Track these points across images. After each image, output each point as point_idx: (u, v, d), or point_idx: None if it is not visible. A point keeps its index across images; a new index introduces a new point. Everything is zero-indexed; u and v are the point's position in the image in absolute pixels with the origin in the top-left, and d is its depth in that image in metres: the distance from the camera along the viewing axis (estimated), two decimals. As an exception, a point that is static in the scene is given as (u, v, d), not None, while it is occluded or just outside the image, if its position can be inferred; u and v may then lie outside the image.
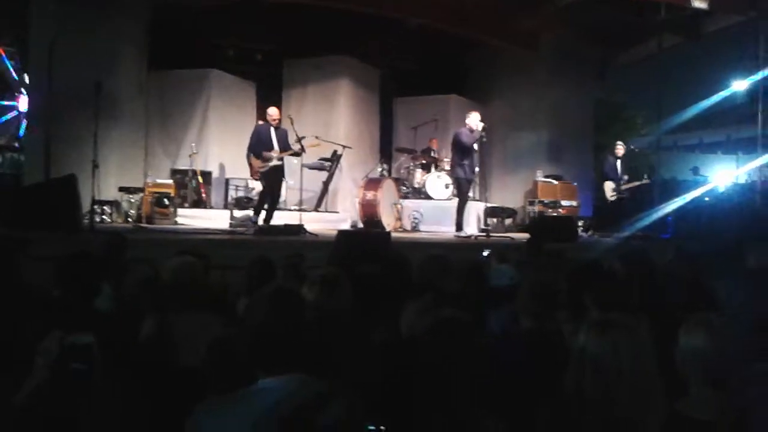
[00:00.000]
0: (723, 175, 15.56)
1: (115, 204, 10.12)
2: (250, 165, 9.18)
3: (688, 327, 2.17)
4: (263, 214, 9.13)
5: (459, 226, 9.70)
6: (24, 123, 16.56)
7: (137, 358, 2.72)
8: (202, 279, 3.33)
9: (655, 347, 1.96)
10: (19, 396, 1.86)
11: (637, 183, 11.55)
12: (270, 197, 9.22)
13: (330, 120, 12.46)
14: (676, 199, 11.81)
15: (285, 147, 9.23)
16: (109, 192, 9.86)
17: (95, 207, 8.53)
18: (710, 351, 2.10)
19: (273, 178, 9.21)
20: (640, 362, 1.83)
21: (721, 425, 2.02)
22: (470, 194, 10.23)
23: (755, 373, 2.25)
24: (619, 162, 11.47)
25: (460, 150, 9.62)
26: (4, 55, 17.42)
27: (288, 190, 11.13)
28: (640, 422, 1.78)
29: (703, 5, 10.55)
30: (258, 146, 9.12)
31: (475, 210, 10.81)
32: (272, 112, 9.36)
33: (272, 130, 9.19)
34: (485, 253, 5.79)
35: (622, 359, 1.81)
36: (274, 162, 9.10)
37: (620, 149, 11.53)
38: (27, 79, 13.58)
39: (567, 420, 1.87)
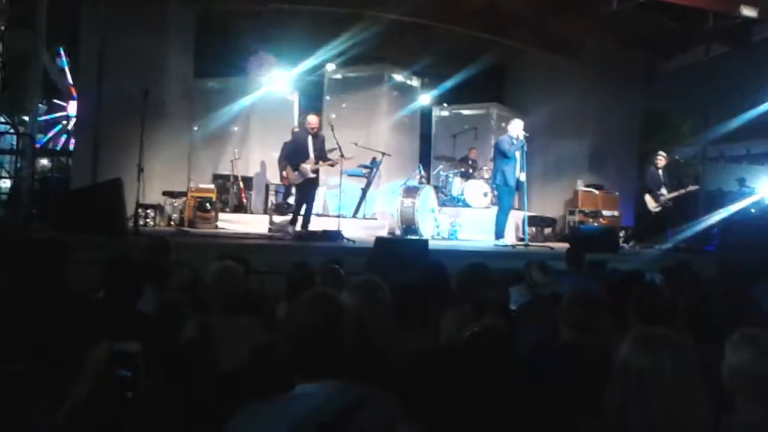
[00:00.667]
0: (765, 186, 15.12)
1: (158, 208, 10.33)
2: (283, 173, 9.20)
3: (735, 342, 2.12)
4: (300, 220, 9.16)
5: (499, 235, 9.62)
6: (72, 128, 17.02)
7: (179, 361, 2.76)
8: (241, 283, 3.37)
9: (700, 362, 1.92)
10: (63, 409, 1.90)
11: (683, 191, 11.25)
12: (306, 205, 9.18)
13: (370, 127, 12.51)
14: (720, 211, 11.54)
15: (321, 156, 9.13)
16: (154, 196, 10.08)
17: (140, 210, 8.71)
18: (757, 367, 2.05)
19: (308, 188, 9.16)
20: (685, 378, 1.79)
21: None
22: (513, 202, 10.12)
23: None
24: (661, 172, 11.24)
25: (502, 158, 9.55)
26: (65, 58, 17.88)
27: (327, 196, 11.23)
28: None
29: (753, 14, 10.30)
30: (294, 155, 9.11)
31: (513, 219, 10.71)
32: (311, 120, 9.22)
33: (309, 138, 9.11)
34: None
35: (667, 374, 1.77)
36: (310, 175, 9.05)
37: (662, 160, 11.28)
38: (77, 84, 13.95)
39: (608, 434, 1.84)
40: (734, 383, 2.07)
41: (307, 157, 9.05)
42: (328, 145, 9.42)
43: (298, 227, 9.03)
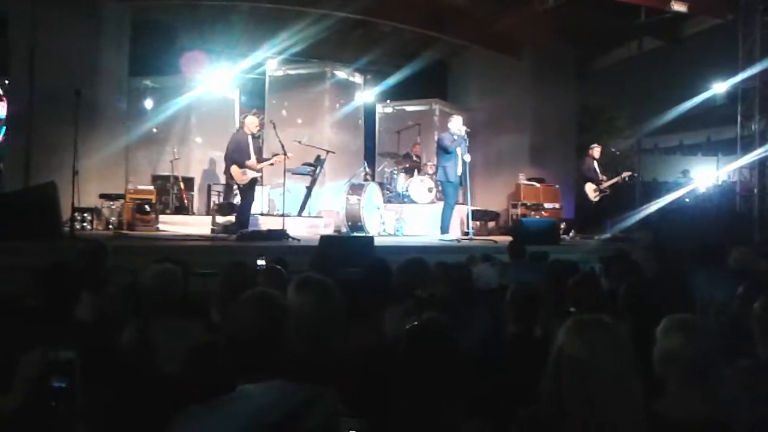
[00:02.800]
0: (704, 176, 15.74)
1: (95, 211, 10.03)
2: (231, 174, 9.13)
3: (666, 328, 2.18)
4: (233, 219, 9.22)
5: (444, 229, 9.72)
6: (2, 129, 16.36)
7: (117, 367, 2.70)
8: (181, 286, 3.31)
9: (635, 347, 1.97)
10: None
11: (617, 178, 11.60)
12: (249, 205, 9.26)
13: (313, 125, 12.44)
14: (657, 201, 11.92)
15: (260, 158, 9.33)
16: (90, 199, 9.79)
17: (76, 214, 8.45)
18: (688, 351, 2.12)
19: (253, 188, 9.28)
20: (618, 362, 1.83)
21: (700, 423, 2.04)
22: (457, 198, 10.24)
23: (733, 372, 2.27)
24: (596, 163, 11.55)
25: (443, 154, 9.66)
26: None
27: (272, 195, 11.15)
28: (618, 423, 1.78)
29: (683, 9, 10.64)
30: (240, 156, 9.08)
31: (458, 213, 10.83)
32: (249, 122, 9.33)
33: (250, 139, 9.20)
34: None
35: (599, 359, 1.81)
36: (256, 174, 9.19)
37: (597, 151, 11.62)
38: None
39: (544, 422, 1.87)
40: (665, 368, 2.14)
41: (249, 157, 9.09)
42: (270, 144, 9.43)
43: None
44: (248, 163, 9.05)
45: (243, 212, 9.23)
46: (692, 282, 4.17)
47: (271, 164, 9.52)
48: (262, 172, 9.41)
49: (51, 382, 1.81)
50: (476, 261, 5.18)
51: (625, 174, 11.71)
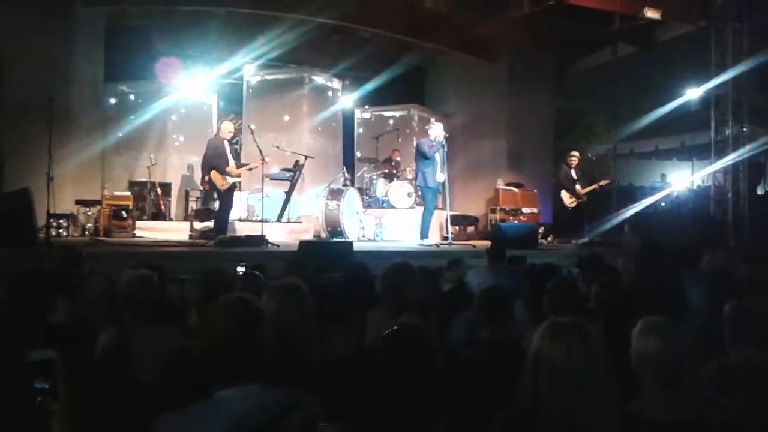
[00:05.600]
0: (678, 181, 15.96)
1: (71, 217, 9.91)
2: (210, 180, 9.07)
3: (641, 330, 2.21)
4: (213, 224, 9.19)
5: (424, 235, 9.75)
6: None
7: (94, 373, 2.67)
8: (157, 292, 3.29)
9: (610, 350, 1.99)
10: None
11: (595, 185, 11.70)
12: (227, 211, 9.26)
13: (292, 130, 12.43)
14: (633, 205, 12.03)
15: (239, 163, 9.41)
16: (66, 205, 9.68)
17: (51, 221, 8.36)
18: (663, 353, 2.14)
19: (231, 194, 9.30)
20: (592, 364, 1.85)
21: (674, 424, 2.07)
22: (435, 202, 10.26)
23: (705, 373, 2.31)
24: (573, 171, 11.64)
25: (422, 159, 9.69)
26: None
27: (250, 200, 11.10)
28: (592, 424, 1.80)
29: (656, 16, 10.81)
30: (219, 161, 9.06)
31: (437, 218, 10.87)
32: (225, 127, 9.36)
33: (226, 144, 9.20)
34: None
35: (574, 361, 1.83)
36: (235, 179, 9.22)
37: (575, 160, 11.71)
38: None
39: (520, 426, 1.89)
40: (641, 370, 2.17)
41: (227, 163, 9.08)
42: (248, 149, 9.43)
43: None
44: (227, 168, 9.03)
45: (221, 218, 9.19)
46: (681, 285, 4.20)
47: (249, 169, 9.51)
48: (240, 177, 9.40)
49: (33, 382, 1.80)
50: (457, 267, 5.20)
51: (603, 182, 11.82)
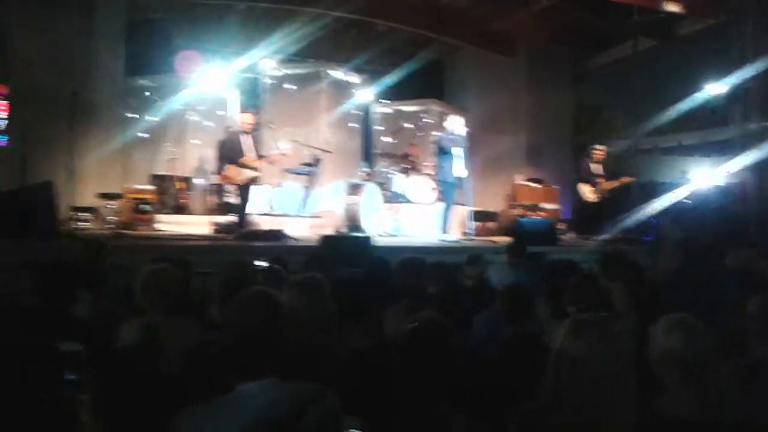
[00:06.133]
0: (701, 177, 15.74)
1: (94, 210, 10.01)
2: (226, 174, 9.05)
3: (664, 327, 2.19)
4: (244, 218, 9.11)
5: (444, 230, 9.73)
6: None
7: (118, 365, 2.70)
8: (178, 285, 3.30)
9: (636, 347, 1.98)
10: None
11: (616, 183, 11.53)
12: (246, 204, 9.17)
13: (311, 125, 12.43)
14: (655, 201, 11.89)
15: (258, 156, 9.13)
16: (88, 198, 9.78)
17: (74, 213, 8.44)
18: (686, 350, 2.13)
19: (249, 187, 9.15)
20: (615, 361, 1.84)
21: (697, 422, 2.05)
22: (455, 197, 10.23)
23: (729, 370, 2.28)
24: (593, 166, 11.50)
25: (442, 154, 9.67)
26: None
27: (271, 195, 11.13)
28: (614, 421, 1.79)
29: (676, 8, 10.66)
30: (233, 155, 8.98)
31: (458, 214, 10.83)
32: (244, 119, 9.20)
33: (242, 137, 9.06)
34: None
35: (597, 359, 1.83)
36: (254, 173, 9.02)
37: (599, 154, 11.56)
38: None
39: (541, 422, 1.88)
40: (663, 367, 2.15)
41: (242, 155, 8.95)
42: (267, 144, 9.37)
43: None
44: (244, 159, 8.96)
45: (241, 212, 9.18)
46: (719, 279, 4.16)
47: (270, 162, 9.43)
48: (259, 171, 9.30)
49: (64, 375, 1.83)
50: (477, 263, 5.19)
51: (626, 179, 11.64)
